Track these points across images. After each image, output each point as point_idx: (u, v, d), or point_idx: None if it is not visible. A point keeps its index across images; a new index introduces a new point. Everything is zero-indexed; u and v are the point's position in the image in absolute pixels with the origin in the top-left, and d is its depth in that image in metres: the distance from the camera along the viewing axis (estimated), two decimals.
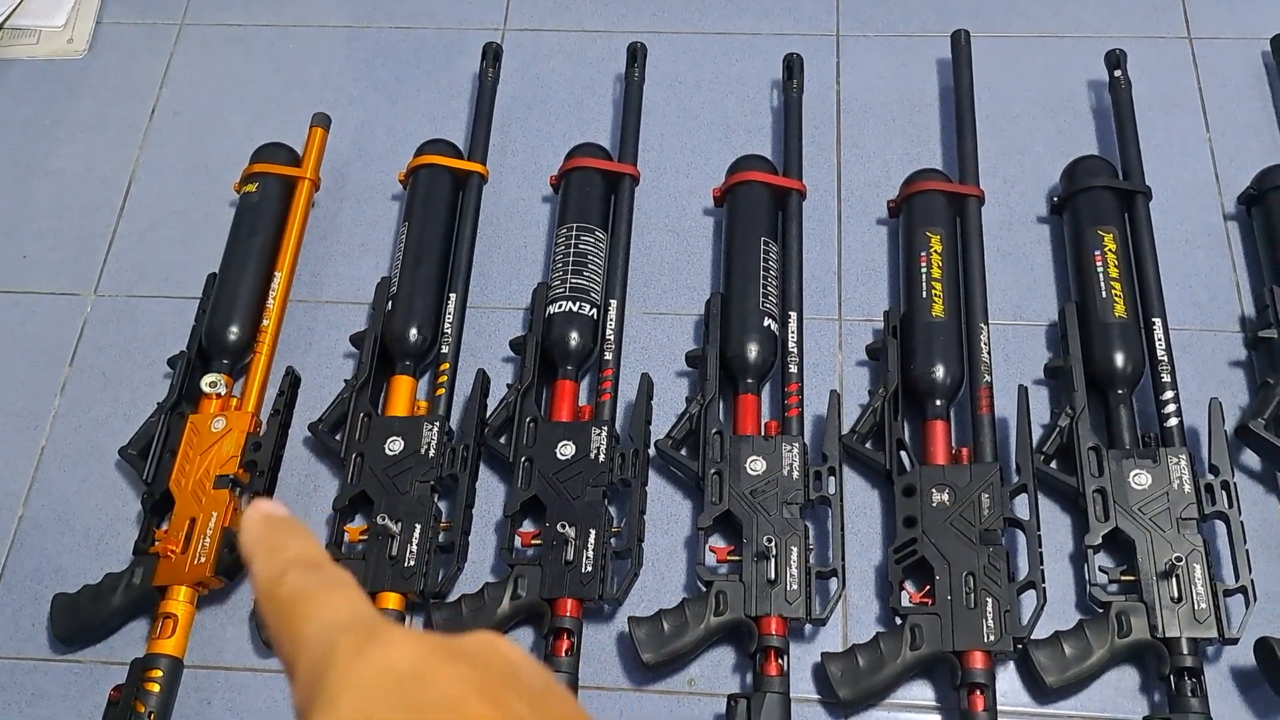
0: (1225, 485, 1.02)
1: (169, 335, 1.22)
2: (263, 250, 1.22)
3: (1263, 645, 0.96)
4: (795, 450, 1.06)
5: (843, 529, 1.04)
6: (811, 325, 1.19)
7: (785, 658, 0.98)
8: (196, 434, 1.11)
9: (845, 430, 1.09)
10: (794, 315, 1.16)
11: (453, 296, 1.19)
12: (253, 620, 1.06)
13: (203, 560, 1.03)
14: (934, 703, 1.00)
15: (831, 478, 1.06)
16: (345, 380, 1.14)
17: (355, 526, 1.07)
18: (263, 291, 1.20)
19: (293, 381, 1.16)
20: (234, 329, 1.17)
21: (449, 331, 1.17)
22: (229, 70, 1.47)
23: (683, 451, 1.10)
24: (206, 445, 1.10)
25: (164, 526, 1.08)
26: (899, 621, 1.00)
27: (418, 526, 1.04)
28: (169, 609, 1.02)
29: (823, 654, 1.00)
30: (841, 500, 1.05)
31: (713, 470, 1.06)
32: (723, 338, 1.14)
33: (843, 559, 1.02)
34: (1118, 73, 1.31)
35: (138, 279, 1.29)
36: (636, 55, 1.36)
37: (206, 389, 1.13)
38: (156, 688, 0.98)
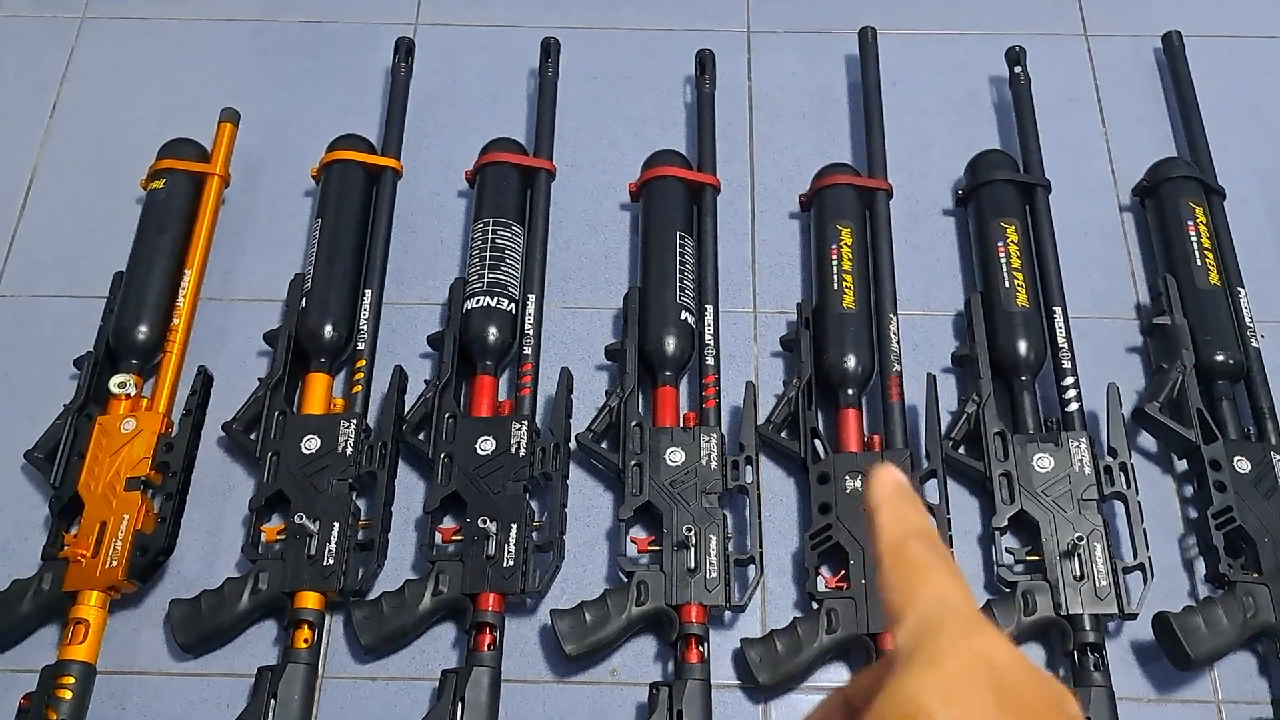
0: (1123, 467, 1.06)
1: (74, 336, 1.19)
2: (172, 248, 1.20)
3: (1160, 620, 1.00)
4: (713, 441, 1.08)
5: (760, 517, 1.06)
6: (727, 318, 1.21)
7: (705, 645, 1.00)
8: (106, 435, 1.08)
9: (761, 420, 1.11)
10: (710, 308, 1.17)
11: (368, 293, 1.18)
12: (167, 624, 1.03)
13: (115, 564, 1.01)
14: None
15: (749, 467, 1.08)
16: (259, 379, 1.13)
17: (272, 526, 1.06)
18: (172, 290, 1.18)
19: (205, 380, 1.14)
20: (143, 328, 1.15)
21: (365, 328, 1.16)
22: (133, 64, 1.44)
23: (603, 444, 1.11)
24: (116, 447, 1.08)
25: (73, 530, 1.06)
26: (815, 606, 1.02)
27: (336, 525, 1.04)
28: (80, 614, 1.00)
29: (742, 640, 1.01)
30: (759, 489, 1.08)
31: (633, 462, 1.07)
32: (641, 331, 1.15)
33: (760, 546, 1.05)
34: (1017, 69, 1.36)
35: (41, 278, 1.26)
36: (550, 50, 1.36)
37: (115, 390, 1.11)
38: (69, 694, 0.96)
